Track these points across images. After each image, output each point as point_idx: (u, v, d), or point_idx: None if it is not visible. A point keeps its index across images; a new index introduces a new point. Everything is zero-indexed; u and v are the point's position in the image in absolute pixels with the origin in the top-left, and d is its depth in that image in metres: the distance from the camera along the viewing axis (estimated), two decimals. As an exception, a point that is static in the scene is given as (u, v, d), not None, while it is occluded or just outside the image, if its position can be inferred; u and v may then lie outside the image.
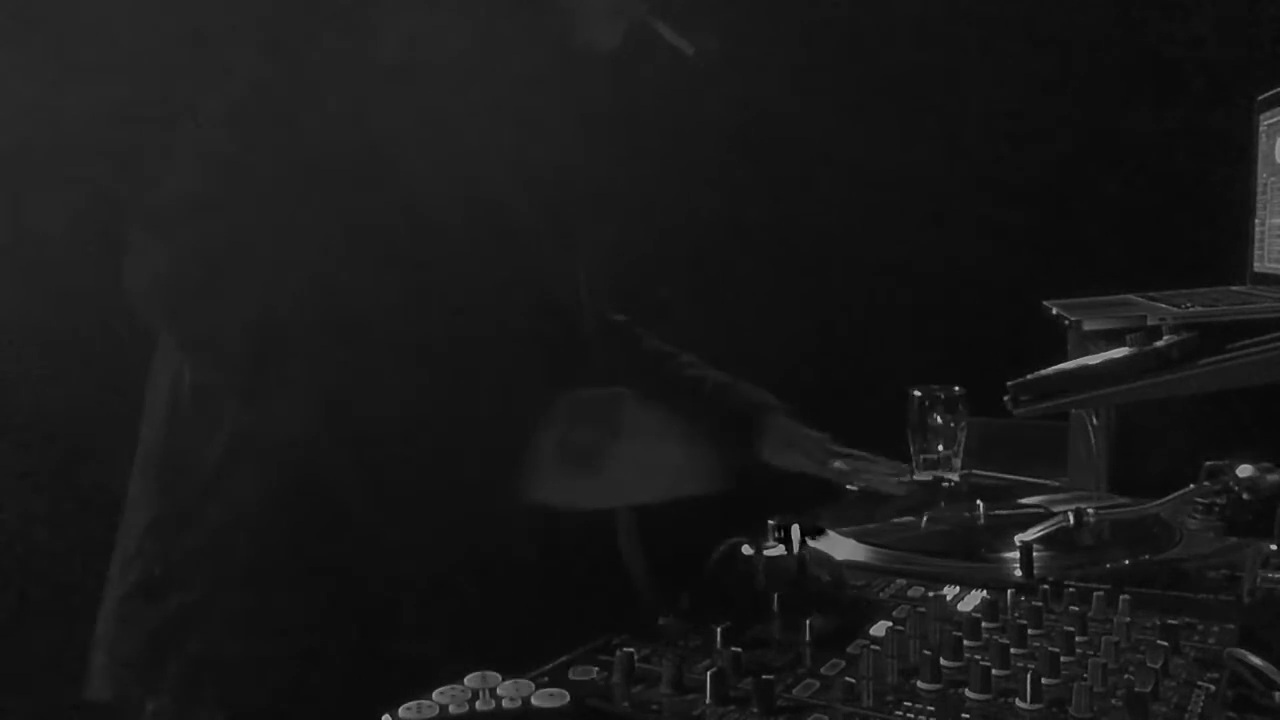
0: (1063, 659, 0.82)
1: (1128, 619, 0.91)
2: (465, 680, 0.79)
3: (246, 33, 1.09)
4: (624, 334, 1.51)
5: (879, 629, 0.92)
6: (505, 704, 0.77)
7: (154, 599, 1.13)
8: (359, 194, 1.02)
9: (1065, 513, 1.16)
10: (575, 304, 1.27)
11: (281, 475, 1.08)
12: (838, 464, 1.50)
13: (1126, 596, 0.95)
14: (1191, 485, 1.23)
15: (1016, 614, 0.94)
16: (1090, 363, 1.23)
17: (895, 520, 1.34)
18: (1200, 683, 0.81)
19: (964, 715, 0.76)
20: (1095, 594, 0.96)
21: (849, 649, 0.88)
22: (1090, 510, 1.17)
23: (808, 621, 0.90)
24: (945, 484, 1.47)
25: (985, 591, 1.02)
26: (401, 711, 0.75)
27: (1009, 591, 0.98)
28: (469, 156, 1.08)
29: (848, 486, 1.51)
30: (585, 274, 1.30)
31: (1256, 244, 1.90)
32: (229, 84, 1.09)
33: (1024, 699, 0.76)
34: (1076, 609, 0.93)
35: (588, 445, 1.01)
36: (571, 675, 0.83)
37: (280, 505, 1.09)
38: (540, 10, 1.18)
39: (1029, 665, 0.81)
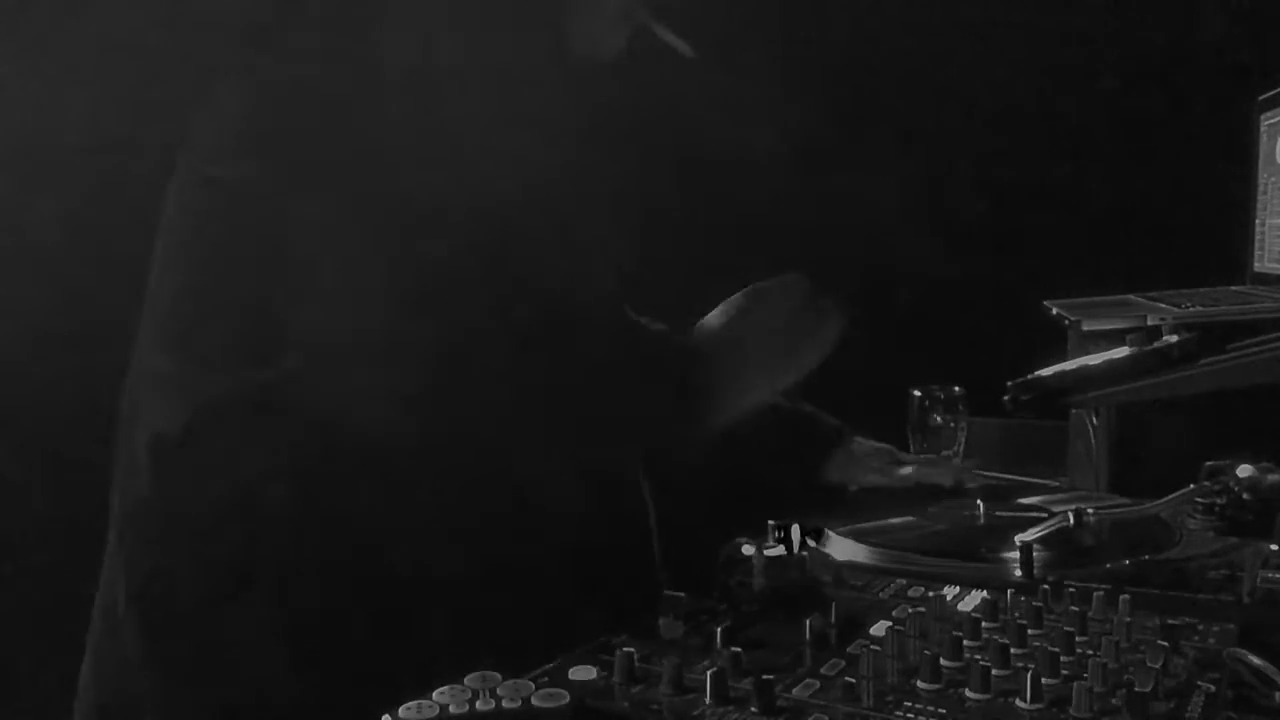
0: (1063, 659, 0.82)
1: (1128, 619, 0.91)
2: (465, 680, 0.79)
3: (249, 35, 1.09)
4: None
5: (879, 629, 0.91)
6: (505, 704, 0.76)
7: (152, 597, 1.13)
8: (361, 199, 1.01)
9: (1065, 513, 1.16)
10: (589, 310, 1.25)
11: (282, 475, 1.08)
12: (903, 470, 1.48)
13: (1126, 596, 0.94)
14: (1191, 485, 1.23)
15: (1016, 614, 0.94)
16: (1090, 363, 1.23)
17: (896, 520, 1.33)
18: (1200, 683, 0.81)
19: (964, 715, 0.76)
20: (1095, 594, 0.96)
21: (849, 649, 0.88)
22: (1090, 510, 1.17)
23: (808, 621, 0.90)
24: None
25: (985, 591, 1.02)
26: (401, 711, 0.75)
27: (1009, 591, 0.98)
28: (473, 162, 1.08)
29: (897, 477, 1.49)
30: (600, 280, 1.29)
31: (1256, 244, 1.91)
32: (233, 86, 1.09)
33: (1024, 699, 0.76)
34: (1076, 609, 0.93)
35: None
36: (571, 675, 0.82)
37: (281, 505, 1.09)
38: (538, 16, 1.17)
39: (1029, 665, 0.81)
